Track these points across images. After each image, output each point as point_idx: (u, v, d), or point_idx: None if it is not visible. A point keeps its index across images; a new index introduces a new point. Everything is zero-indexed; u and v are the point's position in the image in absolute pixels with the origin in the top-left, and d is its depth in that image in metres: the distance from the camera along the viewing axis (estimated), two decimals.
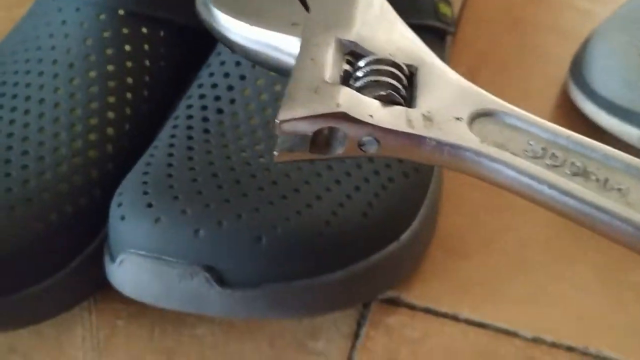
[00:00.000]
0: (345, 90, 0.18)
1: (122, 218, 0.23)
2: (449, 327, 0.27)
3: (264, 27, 0.20)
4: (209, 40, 0.31)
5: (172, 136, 0.26)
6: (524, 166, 0.17)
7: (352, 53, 0.19)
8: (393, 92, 0.18)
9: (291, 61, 0.19)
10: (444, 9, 0.33)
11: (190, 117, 0.27)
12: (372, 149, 0.18)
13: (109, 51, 0.28)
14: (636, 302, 0.28)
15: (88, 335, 0.26)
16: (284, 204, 0.23)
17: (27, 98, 0.27)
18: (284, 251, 0.23)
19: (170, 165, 0.24)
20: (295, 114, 0.17)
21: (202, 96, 0.27)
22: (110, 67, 0.28)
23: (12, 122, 0.26)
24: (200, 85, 0.28)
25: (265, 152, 0.25)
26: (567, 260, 0.29)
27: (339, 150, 0.17)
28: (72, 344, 0.26)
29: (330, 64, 0.18)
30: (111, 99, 0.27)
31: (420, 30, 0.31)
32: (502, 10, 0.47)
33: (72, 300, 0.26)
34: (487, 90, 0.37)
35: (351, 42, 0.19)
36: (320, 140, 0.17)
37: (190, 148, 0.25)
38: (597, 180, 0.17)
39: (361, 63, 0.19)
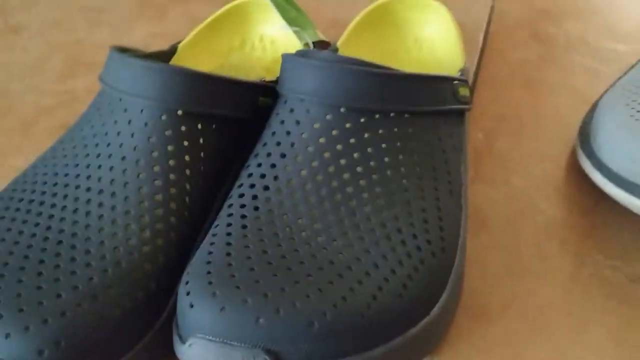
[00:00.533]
0: None
1: (191, 306, 0.26)
2: None
3: None
4: (251, 129, 0.35)
5: (229, 225, 0.29)
6: None
7: None
8: None
9: None
10: (463, 91, 0.37)
11: (243, 205, 0.30)
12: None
13: (170, 147, 0.32)
14: None
15: None
16: (331, 290, 0.26)
17: (100, 191, 0.31)
18: (333, 333, 0.26)
19: (229, 254, 0.28)
20: None
21: (252, 186, 0.31)
22: (171, 162, 0.31)
23: (88, 214, 0.30)
24: (249, 175, 0.31)
25: (311, 238, 0.29)
26: (583, 323, 0.33)
27: None
28: None
29: None
30: (173, 190, 0.31)
31: (444, 115, 0.35)
32: (516, 71, 0.50)
33: None
34: (503, 155, 0.41)
35: None
36: None
37: (245, 236, 0.28)
38: None
39: None
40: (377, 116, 0.32)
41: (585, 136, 0.39)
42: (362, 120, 0.32)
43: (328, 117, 0.32)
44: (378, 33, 0.46)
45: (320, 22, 0.48)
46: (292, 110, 0.33)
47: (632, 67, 0.43)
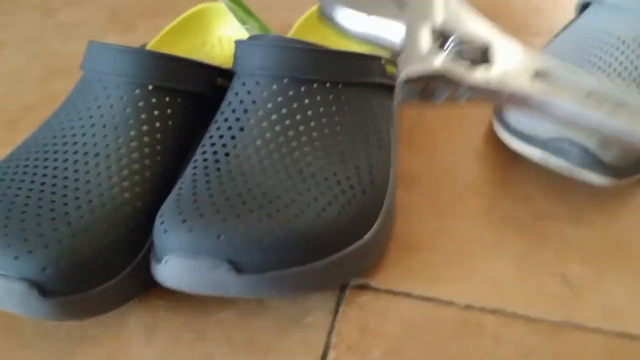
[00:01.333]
0: (443, 58, 0.25)
1: (165, 231, 0.32)
2: (405, 302, 0.37)
3: (377, 15, 0.28)
4: (211, 104, 0.41)
5: (194, 173, 0.36)
6: (578, 100, 0.25)
7: (441, 34, 0.27)
8: (474, 58, 0.26)
9: (395, 41, 0.27)
10: (390, 69, 0.44)
11: (205, 159, 0.36)
12: (463, 98, 0.25)
13: (143, 115, 0.38)
14: (544, 275, 0.38)
15: (140, 322, 0.36)
16: (279, 215, 0.33)
17: (86, 153, 0.37)
18: (280, 247, 0.32)
19: (194, 193, 0.34)
20: (412, 73, 0.25)
21: (212, 144, 0.37)
22: (144, 127, 0.38)
23: (76, 171, 0.36)
24: (210, 137, 0.38)
25: (262, 182, 0.35)
26: (492, 249, 0.39)
27: (441, 100, 0.25)
28: (128, 328, 0.36)
29: (428, 41, 0.26)
30: (146, 150, 0.37)
31: (373, 87, 0.42)
32: None
33: (127, 296, 0.36)
34: (432, 128, 0.47)
35: (440, 25, 0.28)
36: (427, 93, 0.25)
37: (207, 181, 0.35)
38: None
39: (449, 40, 0.27)
40: (315, 85, 0.39)
41: (498, 108, 0.46)
42: (303, 88, 0.39)
43: (274, 86, 0.39)
44: (319, 32, 0.53)
45: (273, 27, 0.55)
46: (244, 84, 0.39)
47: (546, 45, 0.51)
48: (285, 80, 0.39)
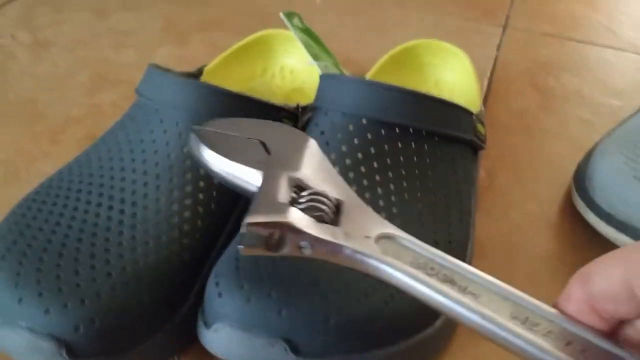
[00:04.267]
0: (292, 209, 0.25)
1: (219, 295, 0.29)
2: None
3: (238, 162, 0.28)
4: None
5: None
6: (410, 271, 0.24)
7: (298, 186, 0.27)
8: (324, 214, 0.26)
9: (253, 188, 0.27)
10: (480, 128, 0.40)
11: None
12: (307, 252, 0.25)
13: (188, 175, 0.34)
14: None
15: None
16: (347, 293, 0.29)
17: (133, 192, 0.33)
18: (346, 330, 0.28)
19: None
20: (257, 220, 0.24)
21: None
22: (202, 170, 0.34)
23: (121, 211, 0.33)
24: None
25: None
26: None
27: (285, 250, 0.25)
28: None
29: (282, 192, 0.26)
30: (201, 196, 0.34)
31: (460, 142, 0.37)
32: (516, 117, 0.53)
33: (164, 355, 0.32)
34: (503, 192, 0.44)
35: (298, 178, 0.27)
36: (273, 242, 0.25)
37: None
38: (460, 286, 0.24)
39: (304, 194, 0.27)
40: (397, 130, 0.35)
41: (580, 178, 0.42)
42: (383, 132, 0.35)
43: (350, 127, 0.35)
44: (401, 75, 0.50)
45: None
46: (317, 124, 0.36)
47: (625, 120, 0.46)
48: (364, 121, 0.35)
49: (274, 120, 0.37)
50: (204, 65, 0.47)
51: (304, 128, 0.38)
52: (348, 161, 0.34)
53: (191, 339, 0.31)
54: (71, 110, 0.51)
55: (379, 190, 0.34)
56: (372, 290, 0.29)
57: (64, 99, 0.52)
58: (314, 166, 0.29)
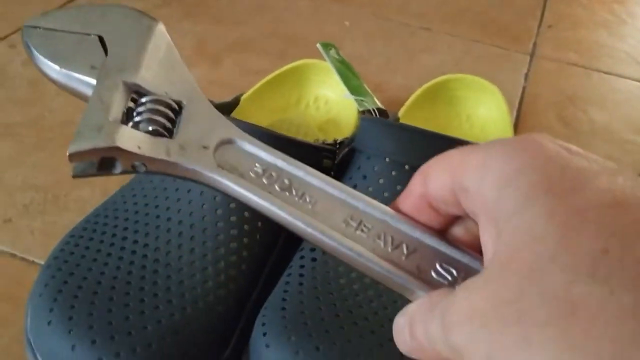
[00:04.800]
0: (123, 128, 0.23)
1: (267, 346, 0.29)
2: None
3: (69, 69, 0.25)
4: None
5: (301, 275, 0.33)
6: (244, 185, 0.24)
7: (137, 92, 0.25)
8: (159, 128, 0.24)
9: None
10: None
11: (314, 259, 0.33)
12: (141, 170, 0.24)
13: (233, 218, 0.35)
14: None
15: None
16: (390, 348, 0.29)
17: (180, 234, 0.34)
18: None
19: (301, 302, 0.31)
20: (80, 148, 0.22)
21: (312, 250, 0.34)
22: (246, 214, 0.35)
23: (168, 253, 0.33)
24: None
25: (376, 297, 0.32)
26: None
27: (118, 170, 0.24)
28: None
29: (116, 104, 0.24)
30: (245, 240, 0.34)
31: None
32: None
33: None
34: None
35: (135, 84, 0.25)
36: (106, 163, 0.23)
37: (315, 288, 0.32)
38: (298, 193, 0.24)
39: (142, 100, 0.25)
40: None
41: None
42: None
43: (393, 173, 0.36)
44: (434, 108, 0.50)
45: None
46: (359, 168, 0.36)
47: None
48: (407, 167, 0.36)
49: (314, 161, 0.38)
50: (241, 94, 0.48)
51: (342, 166, 0.39)
52: None
53: None
54: None
55: None
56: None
57: None
58: (157, 61, 0.26)
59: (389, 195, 0.35)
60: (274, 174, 0.24)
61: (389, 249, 0.23)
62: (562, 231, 0.16)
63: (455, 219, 0.23)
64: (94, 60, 0.26)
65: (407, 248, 0.23)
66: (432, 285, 0.22)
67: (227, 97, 0.51)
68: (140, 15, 0.28)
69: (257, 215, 0.34)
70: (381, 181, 0.36)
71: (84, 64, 0.25)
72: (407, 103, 0.48)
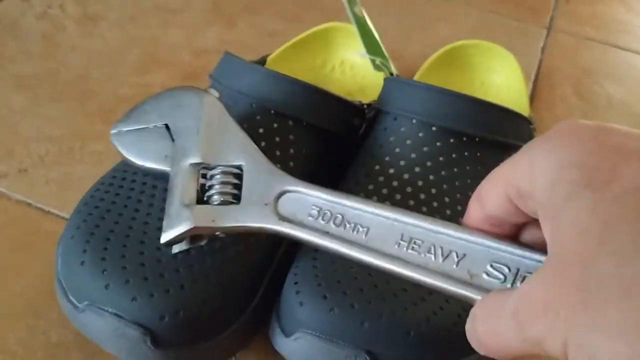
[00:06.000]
0: (197, 210, 0.28)
1: (301, 304, 0.29)
2: None
3: (149, 164, 0.32)
4: (338, 144, 0.38)
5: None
6: (304, 231, 0.27)
7: (204, 168, 0.30)
8: (227, 199, 0.29)
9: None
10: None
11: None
12: (221, 235, 0.30)
13: (262, 144, 0.35)
14: None
15: None
16: (424, 305, 0.29)
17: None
18: (425, 343, 0.29)
19: (334, 262, 0.31)
20: (169, 238, 0.28)
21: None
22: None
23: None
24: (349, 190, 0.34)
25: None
26: None
27: (204, 241, 0.29)
28: None
29: (189, 187, 0.29)
30: None
31: (516, 150, 0.38)
32: None
33: (232, 350, 0.33)
34: None
35: (200, 163, 0.30)
36: (193, 240, 0.29)
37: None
38: (351, 225, 0.27)
39: (210, 174, 0.30)
40: (464, 139, 0.36)
41: None
42: (452, 140, 0.35)
43: (420, 134, 0.35)
44: (448, 74, 0.50)
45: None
46: (385, 128, 0.36)
47: None
48: (434, 129, 0.35)
49: (345, 117, 0.38)
50: (267, 55, 0.47)
51: (369, 127, 0.38)
52: (417, 169, 0.35)
53: (255, 333, 0.32)
54: (122, 90, 0.51)
55: (446, 199, 0.34)
56: (446, 303, 0.30)
57: (115, 77, 0.52)
58: (213, 131, 0.31)
59: (416, 156, 0.35)
60: (327, 212, 0.27)
61: (440, 261, 0.24)
62: (604, 220, 0.18)
63: (521, 228, 0.24)
64: (165, 150, 0.31)
65: (457, 255, 0.24)
66: (485, 287, 0.23)
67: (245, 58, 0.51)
68: (196, 92, 0.33)
69: (299, 162, 0.35)
70: (408, 142, 0.35)
71: (158, 156, 0.31)
72: (422, 68, 0.48)
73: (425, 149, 0.35)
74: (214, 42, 0.58)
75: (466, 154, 0.36)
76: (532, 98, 0.56)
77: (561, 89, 0.58)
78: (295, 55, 0.48)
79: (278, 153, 0.35)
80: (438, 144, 0.35)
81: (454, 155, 0.35)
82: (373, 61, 0.46)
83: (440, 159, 0.35)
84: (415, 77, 0.47)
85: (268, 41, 0.58)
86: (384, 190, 0.34)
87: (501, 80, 0.50)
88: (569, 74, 0.60)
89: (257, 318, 0.33)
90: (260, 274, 0.33)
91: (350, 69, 0.50)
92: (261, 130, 0.35)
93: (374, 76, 0.47)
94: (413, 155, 0.35)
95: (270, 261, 0.34)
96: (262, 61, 0.45)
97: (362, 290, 0.29)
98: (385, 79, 0.38)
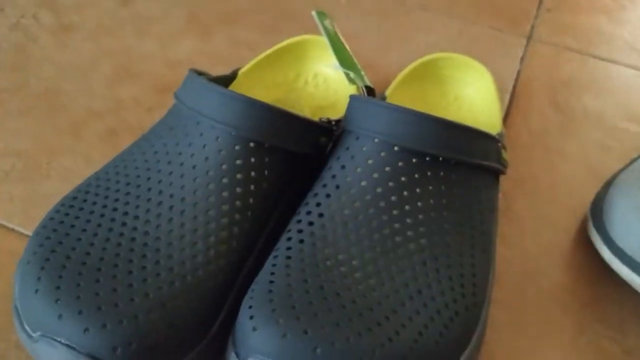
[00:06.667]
0: None
1: (254, 329, 0.29)
2: None
3: None
4: (307, 165, 0.38)
5: (288, 257, 0.32)
6: None
7: None
8: None
9: None
10: (504, 154, 0.40)
11: (301, 241, 0.33)
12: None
13: (239, 176, 0.34)
14: None
15: None
16: (379, 330, 0.29)
17: (171, 207, 0.33)
18: None
19: (289, 285, 0.30)
20: None
21: (310, 223, 0.34)
22: (238, 189, 0.34)
23: (158, 227, 0.33)
24: (308, 212, 0.34)
25: (362, 280, 0.31)
26: None
27: None
28: None
29: None
30: (237, 216, 0.34)
31: (484, 171, 0.38)
32: (537, 137, 0.54)
33: None
34: (519, 217, 0.43)
35: None
36: None
37: (303, 270, 0.31)
38: None
39: None
40: (427, 159, 0.35)
41: (597, 211, 0.42)
42: (414, 160, 0.35)
43: (382, 154, 0.35)
44: (422, 87, 0.50)
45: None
46: (347, 148, 0.36)
47: None
48: (396, 149, 0.35)
49: (311, 137, 0.37)
50: (239, 68, 0.47)
51: (334, 146, 0.38)
52: (379, 190, 0.34)
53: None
54: (93, 103, 0.51)
55: (408, 220, 0.34)
56: (402, 327, 0.30)
57: (86, 90, 0.52)
58: None
59: (378, 176, 0.35)
60: None
61: None
62: None
63: None
64: None
65: None
66: None
67: (220, 70, 0.51)
68: None
69: (250, 192, 0.34)
70: (370, 162, 0.35)
71: None
72: (395, 81, 0.48)
73: (387, 169, 0.35)
74: (189, 53, 0.58)
75: (429, 173, 0.35)
76: (509, 109, 0.56)
77: (538, 101, 0.58)
78: (268, 68, 0.48)
79: (239, 176, 0.34)
80: (400, 164, 0.35)
81: (416, 176, 0.35)
82: (347, 74, 0.45)
83: (402, 179, 0.35)
84: (388, 91, 0.47)
85: (245, 52, 0.58)
86: (346, 211, 0.34)
87: (475, 93, 0.50)
88: (547, 85, 0.60)
89: (216, 346, 0.32)
90: (220, 300, 0.33)
91: (324, 82, 0.49)
92: (223, 153, 0.34)
93: (348, 90, 0.47)
94: (375, 175, 0.35)
95: (230, 287, 0.33)
96: (233, 75, 0.45)
97: (316, 315, 0.29)
98: (350, 97, 0.38)
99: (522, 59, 0.63)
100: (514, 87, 0.59)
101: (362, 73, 0.47)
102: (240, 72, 0.46)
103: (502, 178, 0.46)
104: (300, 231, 0.33)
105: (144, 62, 0.56)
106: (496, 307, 0.39)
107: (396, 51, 0.61)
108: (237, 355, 0.30)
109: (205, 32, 0.61)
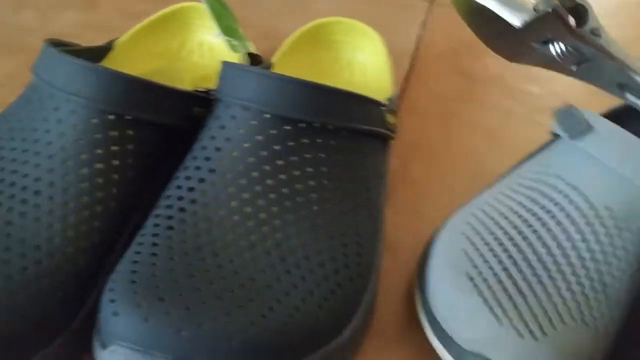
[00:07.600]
0: None
1: (115, 314, 0.27)
2: None
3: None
4: (183, 136, 0.35)
5: (155, 235, 0.30)
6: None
7: None
8: None
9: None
10: (390, 118, 0.38)
11: (169, 217, 0.31)
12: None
13: (99, 151, 0.32)
14: None
15: None
16: (251, 307, 0.28)
17: (24, 188, 0.30)
18: (251, 349, 0.27)
19: (154, 264, 0.28)
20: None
21: (179, 197, 0.31)
22: (99, 165, 0.31)
23: (10, 209, 0.30)
24: (178, 186, 0.32)
25: (235, 255, 0.29)
26: None
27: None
28: None
29: None
30: (99, 194, 0.31)
31: (369, 135, 0.36)
32: (435, 102, 0.53)
33: None
34: (416, 184, 0.42)
35: None
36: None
37: (170, 248, 0.29)
38: None
39: None
40: (301, 125, 0.33)
41: (420, 269, 0.35)
42: (287, 128, 0.33)
43: (253, 122, 0.33)
44: (312, 53, 0.48)
45: (252, 32, 0.49)
46: (217, 117, 0.34)
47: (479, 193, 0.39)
48: (267, 116, 0.33)
49: (184, 108, 0.35)
50: (115, 39, 0.44)
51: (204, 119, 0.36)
52: (251, 159, 0.32)
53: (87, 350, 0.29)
54: None
55: (284, 191, 0.32)
56: (277, 303, 0.28)
57: None
58: None
59: (250, 145, 0.33)
60: None
61: None
62: None
63: None
64: None
65: None
66: None
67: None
68: None
69: (113, 168, 0.31)
70: (241, 131, 0.33)
71: None
72: (283, 48, 0.46)
73: (259, 137, 0.33)
74: (72, 25, 0.54)
75: (305, 141, 0.33)
76: (410, 74, 0.55)
77: (439, 65, 0.57)
78: (149, 37, 0.45)
79: (99, 152, 0.32)
80: (272, 132, 0.33)
81: (290, 144, 0.33)
82: (229, 42, 0.43)
83: (276, 147, 0.33)
84: (275, 57, 0.44)
85: (134, 23, 0.55)
86: (218, 184, 0.32)
87: (367, 59, 0.49)
88: (449, 48, 0.59)
89: (83, 338, 0.30)
90: (85, 286, 0.30)
91: (209, 51, 0.47)
92: (80, 127, 0.32)
93: (234, 59, 0.44)
94: (247, 145, 0.33)
95: (96, 273, 0.31)
96: (108, 45, 0.42)
97: (181, 295, 0.27)
98: (222, 64, 0.35)
99: (424, 22, 0.62)
100: (415, 51, 0.58)
101: (245, 40, 0.45)
102: (117, 42, 0.43)
103: (399, 143, 0.45)
104: (169, 207, 0.31)
105: (21, 36, 0.52)
106: (390, 275, 0.38)
107: (294, 18, 0.59)
108: (101, 344, 0.27)
109: (89, 3, 0.57)
